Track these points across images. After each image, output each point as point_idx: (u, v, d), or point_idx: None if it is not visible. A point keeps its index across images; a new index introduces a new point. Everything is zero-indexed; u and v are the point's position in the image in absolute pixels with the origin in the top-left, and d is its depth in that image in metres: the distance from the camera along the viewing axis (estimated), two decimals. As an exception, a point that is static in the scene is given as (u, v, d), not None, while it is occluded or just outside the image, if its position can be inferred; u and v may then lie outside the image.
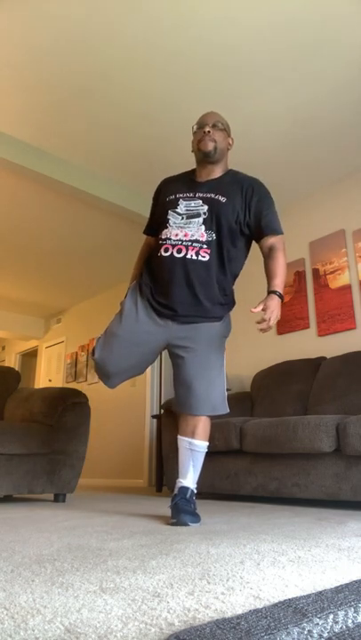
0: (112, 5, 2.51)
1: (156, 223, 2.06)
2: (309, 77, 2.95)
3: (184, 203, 1.95)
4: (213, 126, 1.99)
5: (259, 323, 1.74)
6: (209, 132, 1.97)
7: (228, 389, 4.15)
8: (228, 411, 1.93)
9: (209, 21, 2.58)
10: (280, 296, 1.82)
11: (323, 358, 3.44)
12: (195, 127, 2.05)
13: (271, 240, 1.94)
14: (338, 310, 3.70)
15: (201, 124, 2.02)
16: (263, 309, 1.75)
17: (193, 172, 2.10)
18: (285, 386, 3.38)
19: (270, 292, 1.83)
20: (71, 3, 2.50)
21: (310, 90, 3.05)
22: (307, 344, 3.86)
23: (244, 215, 1.94)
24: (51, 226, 4.76)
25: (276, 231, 1.95)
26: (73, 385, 6.51)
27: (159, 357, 5.35)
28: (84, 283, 6.27)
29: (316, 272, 3.94)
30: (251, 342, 4.25)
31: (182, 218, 1.92)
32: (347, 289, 3.68)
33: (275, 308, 1.77)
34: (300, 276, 4.06)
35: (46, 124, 3.40)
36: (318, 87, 3.03)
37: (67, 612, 0.67)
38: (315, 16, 2.54)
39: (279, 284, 1.85)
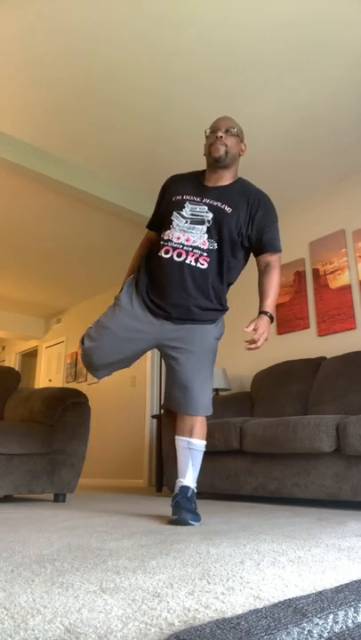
0: (112, 5, 2.51)
1: (160, 220, 2.05)
2: (310, 78, 2.95)
3: (190, 206, 1.93)
4: (226, 131, 1.98)
5: (248, 342, 1.79)
6: (221, 136, 1.96)
7: (227, 389, 4.18)
8: (212, 412, 1.95)
9: (210, 22, 2.59)
10: (270, 317, 1.87)
11: (323, 358, 3.44)
12: (207, 131, 2.03)
13: (269, 258, 1.97)
14: (338, 310, 3.70)
15: (214, 129, 2.00)
16: (254, 329, 1.80)
17: (202, 173, 2.07)
18: (285, 386, 3.38)
19: (261, 312, 1.87)
20: (71, 2, 2.50)
21: (311, 90, 3.05)
22: (307, 344, 3.87)
23: (247, 228, 1.94)
24: (51, 226, 4.76)
25: (277, 249, 1.98)
26: (73, 385, 6.51)
27: (159, 357, 5.35)
28: (84, 283, 6.27)
29: (316, 272, 3.94)
30: (251, 342, 4.24)
31: (186, 222, 1.91)
32: (347, 289, 3.68)
33: (265, 330, 1.82)
34: (300, 275, 4.06)
35: (46, 124, 3.40)
36: (319, 87, 3.03)
37: (67, 612, 0.67)
38: (316, 17, 2.54)
39: (270, 304, 1.90)
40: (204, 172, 2.07)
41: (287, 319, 4.04)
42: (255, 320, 1.82)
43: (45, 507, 2.56)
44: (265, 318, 1.84)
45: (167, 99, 3.14)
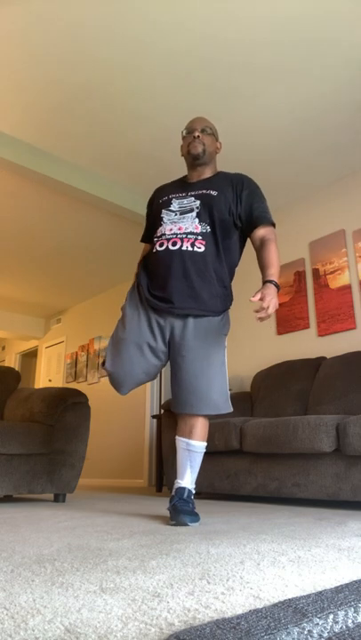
0: (112, 5, 2.51)
1: (152, 228, 2.10)
2: (310, 76, 2.95)
3: (177, 201, 2.01)
4: (202, 131, 2.07)
5: (257, 312, 1.73)
6: (198, 136, 2.05)
7: (228, 389, 4.17)
8: (232, 409, 1.92)
9: (210, 22, 2.58)
10: (276, 285, 1.82)
11: (323, 358, 3.44)
12: (184, 132, 2.12)
13: (262, 231, 1.98)
14: (338, 310, 3.70)
15: (190, 130, 2.09)
16: (261, 298, 1.75)
17: (185, 176, 2.17)
18: (285, 386, 3.38)
19: (266, 281, 1.83)
20: (72, 2, 2.50)
21: (310, 89, 3.05)
22: (307, 344, 3.87)
23: (236, 207, 1.97)
24: (51, 226, 4.76)
25: (268, 221, 1.99)
26: (73, 385, 6.52)
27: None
28: (84, 283, 6.27)
29: (316, 272, 3.94)
30: (251, 342, 4.24)
31: (176, 214, 1.97)
32: (347, 289, 3.68)
33: (272, 297, 1.77)
34: (300, 275, 4.06)
35: (47, 124, 3.40)
36: (318, 86, 3.03)
37: (67, 612, 0.67)
38: (315, 14, 2.54)
39: (274, 273, 1.86)
40: (185, 175, 2.17)
41: (287, 319, 4.03)
42: (261, 289, 1.78)
43: (45, 507, 2.56)
44: (271, 286, 1.80)
45: (167, 99, 3.14)
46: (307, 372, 3.36)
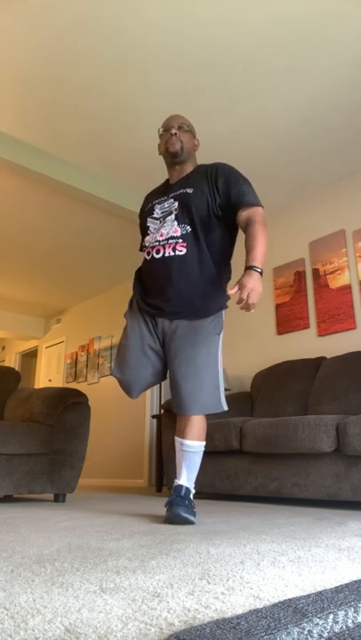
0: (112, 5, 2.51)
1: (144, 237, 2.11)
2: (309, 77, 2.95)
3: (158, 206, 2.01)
4: (179, 128, 2.05)
5: (238, 303, 1.65)
6: (175, 133, 2.03)
7: (227, 389, 4.17)
8: (226, 409, 1.90)
9: (209, 21, 2.58)
10: (259, 272, 1.72)
11: (323, 358, 3.44)
12: (160, 130, 2.09)
13: (244, 214, 1.87)
14: (338, 310, 3.70)
15: (167, 127, 2.06)
16: (240, 288, 1.66)
17: (168, 179, 2.16)
18: (285, 386, 3.38)
19: (247, 267, 1.73)
20: (71, 1, 2.50)
21: (310, 89, 3.05)
22: (307, 344, 3.87)
23: (214, 198, 1.92)
24: (51, 226, 4.76)
25: (249, 203, 1.87)
26: (73, 385, 6.52)
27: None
28: (84, 283, 6.27)
29: (316, 272, 3.94)
30: (251, 342, 4.24)
31: (159, 221, 1.97)
32: (347, 289, 3.68)
33: (252, 285, 1.65)
34: (300, 275, 4.06)
35: (47, 123, 3.40)
36: (318, 86, 3.03)
37: (67, 612, 0.67)
38: (315, 14, 2.54)
39: (257, 257, 1.73)
40: (168, 178, 2.15)
41: (287, 319, 4.03)
42: (240, 278, 1.68)
43: (45, 507, 2.56)
44: (251, 273, 1.68)
45: (168, 99, 3.14)
46: (307, 372, 3.36)
